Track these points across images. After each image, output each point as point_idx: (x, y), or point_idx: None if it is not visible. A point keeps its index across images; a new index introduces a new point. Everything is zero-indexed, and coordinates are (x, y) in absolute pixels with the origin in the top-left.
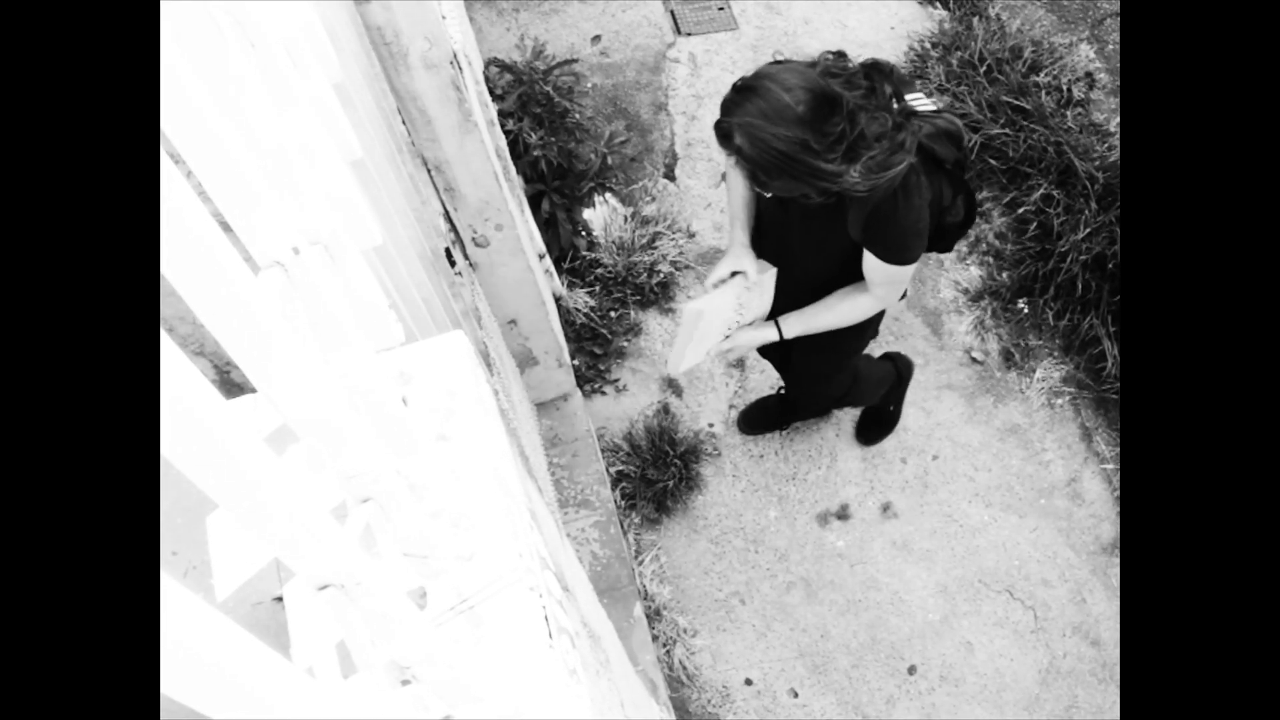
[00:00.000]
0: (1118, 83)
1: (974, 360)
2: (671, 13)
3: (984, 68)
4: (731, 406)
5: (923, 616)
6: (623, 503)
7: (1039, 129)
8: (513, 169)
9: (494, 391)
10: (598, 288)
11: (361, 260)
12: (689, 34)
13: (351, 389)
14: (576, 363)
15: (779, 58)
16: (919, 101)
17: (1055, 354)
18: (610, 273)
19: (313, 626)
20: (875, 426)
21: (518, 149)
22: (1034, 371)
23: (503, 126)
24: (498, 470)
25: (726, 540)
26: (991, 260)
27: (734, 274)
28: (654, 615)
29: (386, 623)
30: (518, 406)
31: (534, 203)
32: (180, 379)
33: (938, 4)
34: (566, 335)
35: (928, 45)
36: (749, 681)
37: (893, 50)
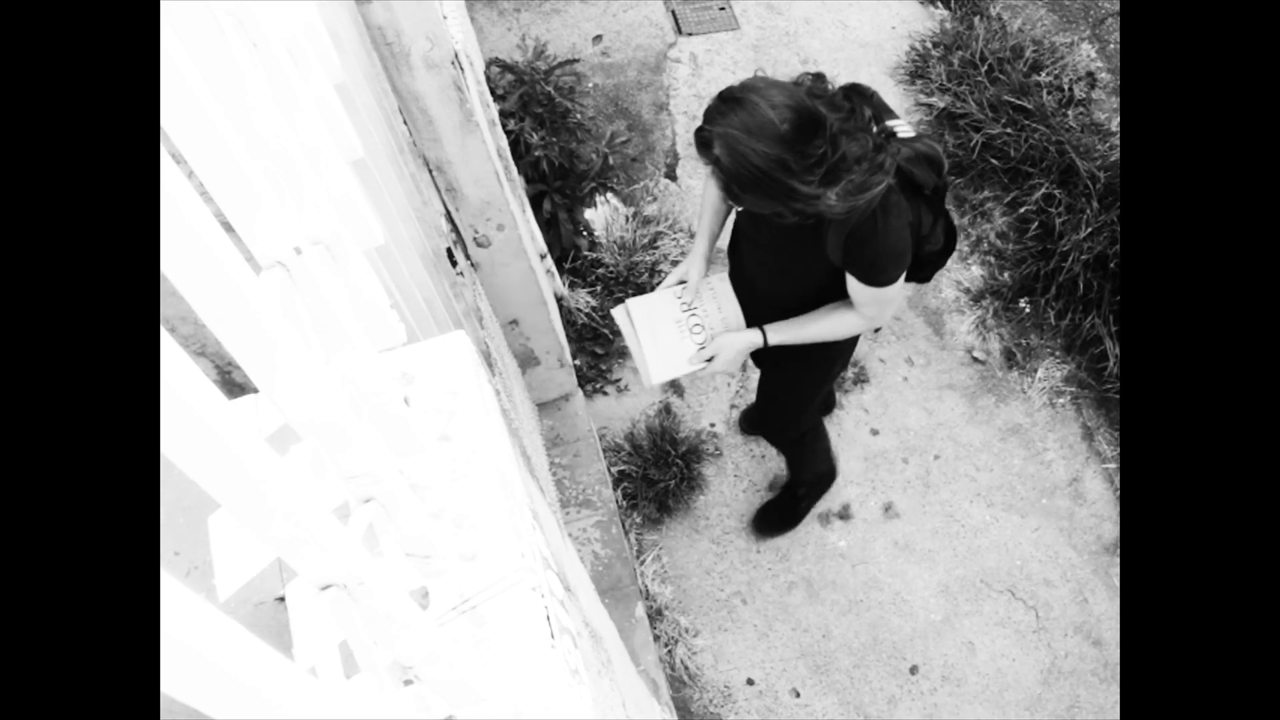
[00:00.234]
0: (1119, 82)
1: (975, 360)
2: (673, 12)
3: (985, 67)
4: (733, 406)
5: (924, 616)
6: (624, 503)
7: (1040, 128)
8: (514, 169)
9: (496, 392)
10: (599, 288)
11: (363, 260)
12: (690, 34)
13: (354, 389)
14: (578, 363)
15: (760, 71)
16: (900, 126)
17: (1057, 353)
18: (612, 273)
19: (315, 626)
20: (778, 518)
21: (519, 149)
22: (1035, 371)
23: (504, 127)
24: (500, 470)
25: (728, 540)
26: (993, 260)
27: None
28: (655, 615)
29: (389, 623)
30: (519, 407)
31: (535, 203)
32: (182, 379)
33: (939, 3)
34: (568, 335)
35: (929, 45)
36: (751, 681)
37: (894, 50)
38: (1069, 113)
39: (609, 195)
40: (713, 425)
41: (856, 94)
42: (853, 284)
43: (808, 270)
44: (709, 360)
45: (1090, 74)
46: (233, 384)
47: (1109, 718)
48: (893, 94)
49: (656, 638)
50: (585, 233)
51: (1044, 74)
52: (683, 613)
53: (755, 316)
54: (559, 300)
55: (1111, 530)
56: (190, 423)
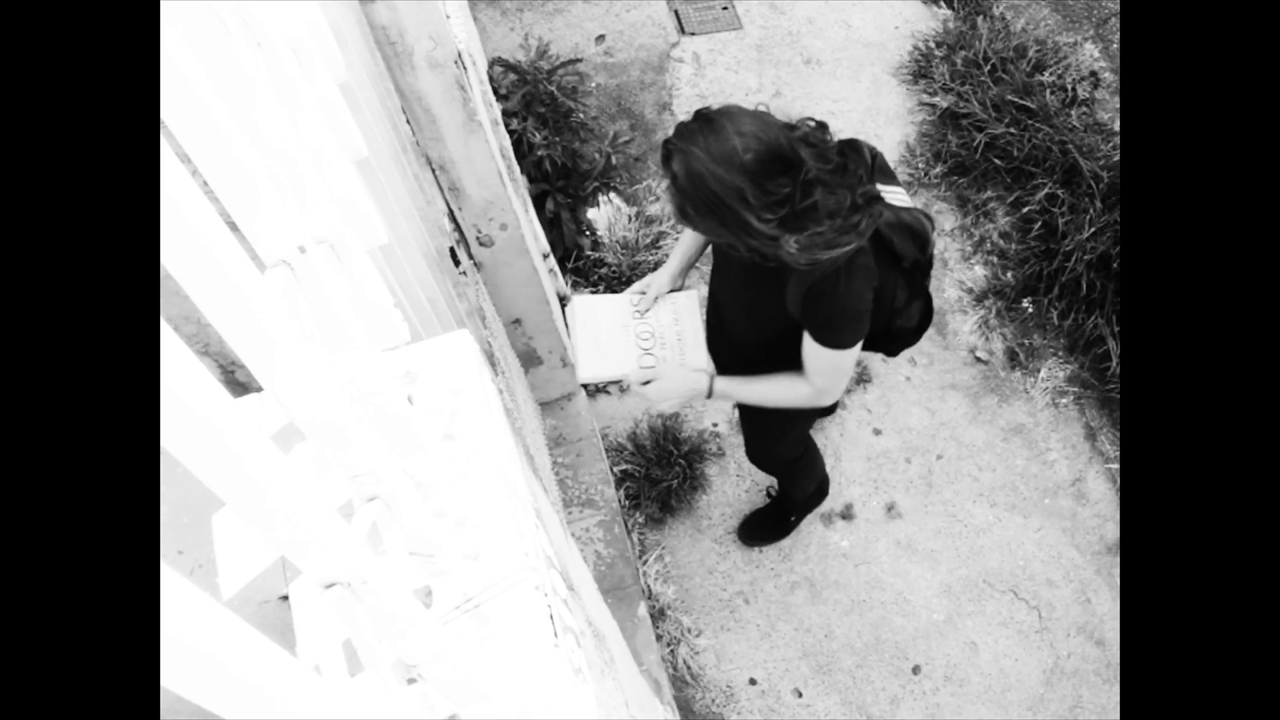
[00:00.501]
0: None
1: (978, 360)
2: (675, 12)
3: (988, 67)
4: (735, 406)
5: (927, 616)
6: (627, 502)
7: (1043, 128)
8: (517, 168)
9: (499, 391)
10: (602, 287)
11: (367, 259)
12: (693, 34)
13: (357, 388)
14: None
15: (762, 107)
16: (895, 194)
17: (1060, 353)
18: (614, 272)
19: (319, 625)
20: (764, 528)
21: (522, 148)
22: (1038, 371)
23: (507, 126)
24: (503, 469)
25: (731, 540)
26: (996, 260)
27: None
28: (658, 615)
29: (393, 621)
30: (522, 406)
31: (538, 202)
32: (187, 377)
33: (942, 3)
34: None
35: (932, 44)
36: (753, 681)
37: (897, 50)
38: (1072, 112)
39: (612, 195)
40: (715, 425)
41: (853, 150)
42: (807, 343)
43: (769, 316)
44: (645, 383)
45: (1093, 73)
46: (236, 383)
47: (1112, 718)
48: (896, 94)
49: (659, 637)
50: (588, 232)
51: (1047, 74)
52: (685, 612)
53: (719, 348)
54: (561, 300)
55: (1114, 530)
56: (195, 421)
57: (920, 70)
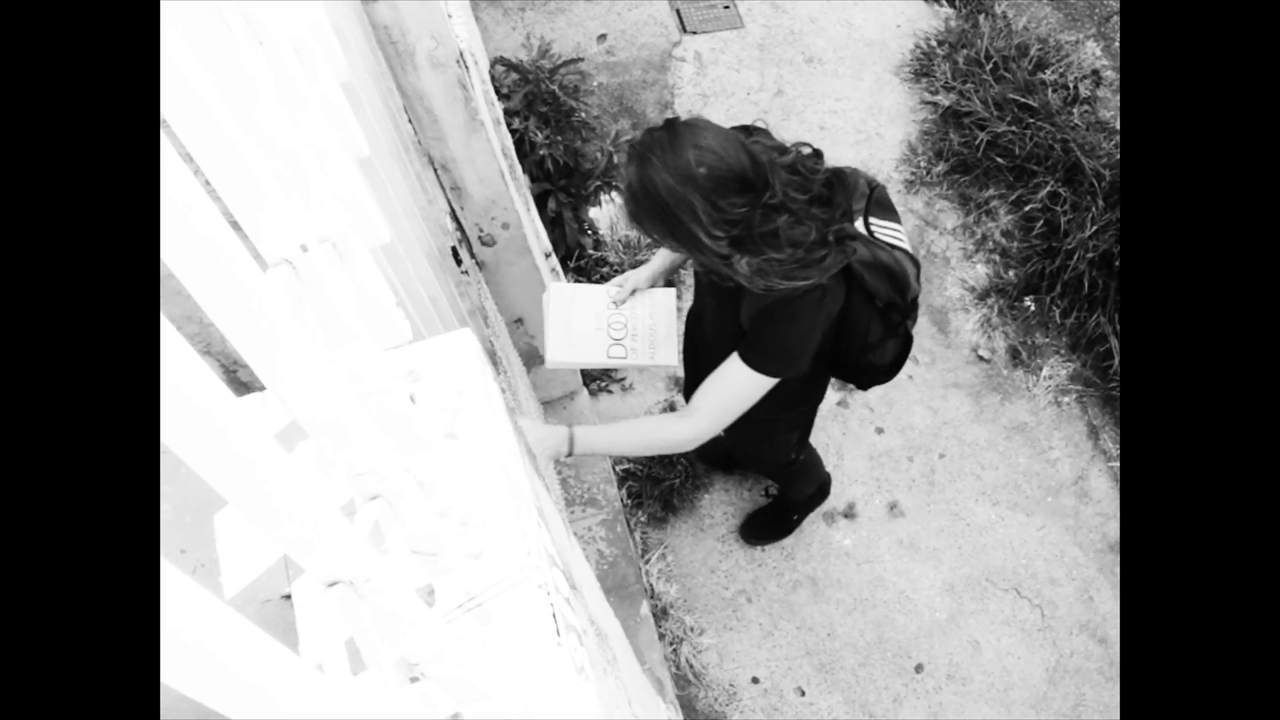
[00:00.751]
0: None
1: (981, 358)
2: (677, 11)
3: (990, 65)
4: None
5: (930, 615)
6: (629, 501)
7: (1045, 126)
8: (519, 168)
9: (501, 389)
10: None
11: (369, 258)
12: (695, 32)
13: (360, 386)
14: None
15: (760, 124)
16: (890, 230)
17: (1062, 352)
18: (616, 271)
19: (322, 623)
20: (766, 527)
21: (524, 148)
22: (1041, 369)
23: (509, 125)
24: (506, 468)
25: (733, 539)
26: (998, 258)
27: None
28: (661, 614)
29: (395, 620)
30: (524, 405)
31: (540, 201)
32: (190, 376)
33: (943, 2)
34: None
35: (934, 43)
36: (756, 680)
37: (899, 48)
38: (1074, 111)
39: (614, 194)
40: None
41: (840, 183)
42: (730, 359)
43: (725, 325)
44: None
45: (1095, 72)
46: (238, 383)
47: (1114, 716)
48: (898, 92)
49: (661, 636)
50: (590, 231)
51: (1049, 72)
52: (688, 611)
53: (698, 346)
54: None
55: (1116, 529)
56: (198, 420)
57: (922, 69)
